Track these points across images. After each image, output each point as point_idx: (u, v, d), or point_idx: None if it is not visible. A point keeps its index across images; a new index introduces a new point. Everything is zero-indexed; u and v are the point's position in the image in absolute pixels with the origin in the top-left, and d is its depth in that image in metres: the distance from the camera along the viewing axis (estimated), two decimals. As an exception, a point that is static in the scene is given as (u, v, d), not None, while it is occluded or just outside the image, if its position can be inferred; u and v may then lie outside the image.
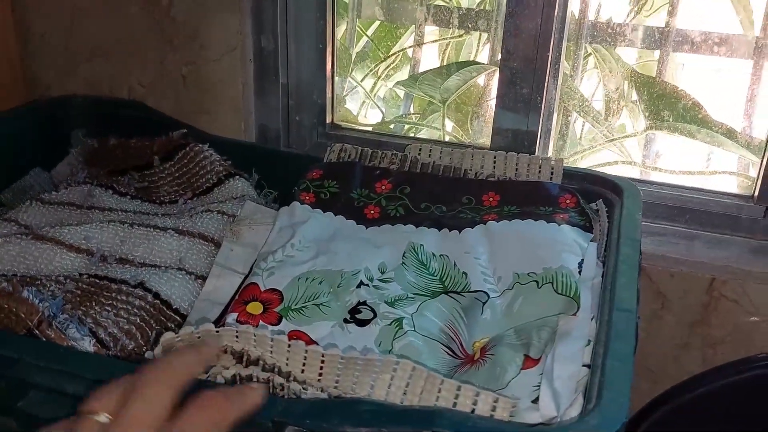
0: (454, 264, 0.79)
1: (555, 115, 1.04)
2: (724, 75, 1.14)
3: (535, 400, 0.60)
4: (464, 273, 0.77)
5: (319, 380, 0.57)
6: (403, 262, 0.79)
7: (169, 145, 0.97)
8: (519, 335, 0.69)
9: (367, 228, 0.84)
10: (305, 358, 0.57)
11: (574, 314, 0.69)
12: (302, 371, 0.57)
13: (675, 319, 1.01)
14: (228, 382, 0.56)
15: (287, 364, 0.57)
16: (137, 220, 0.87)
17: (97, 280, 0.77)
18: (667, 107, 1.06)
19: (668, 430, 1.00)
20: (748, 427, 0.98)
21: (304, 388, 0.56)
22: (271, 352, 0.57)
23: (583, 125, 1.21)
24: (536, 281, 0.74)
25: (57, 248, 0.81)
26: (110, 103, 1.10)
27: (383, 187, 0.88)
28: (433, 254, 0.80)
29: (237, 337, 0.58)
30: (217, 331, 0.57)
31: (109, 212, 0.91)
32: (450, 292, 0.76)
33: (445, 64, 1.25)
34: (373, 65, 1.28)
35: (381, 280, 0.77)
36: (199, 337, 0.57)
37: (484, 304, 0.75)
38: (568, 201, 0.84)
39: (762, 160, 0.99)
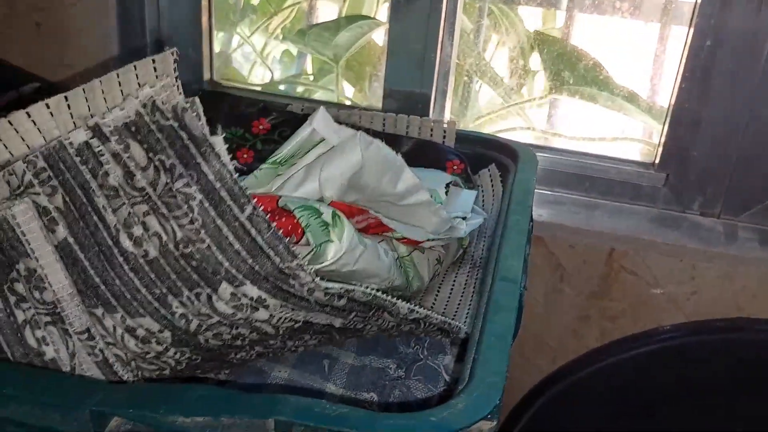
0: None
1: (451, 75, 0.97)
2: (630, 40, 1.10)
3: None
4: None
5: None
6: None
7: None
8: None
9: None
10: None
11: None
12: None
13: (574, 291, 0.97)
14: None
15: None
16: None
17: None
18: (568, 68, 1.01)
19: (565, 405, 0.97)
20: (647, 402, 0.96)
21: None
22: None
23: (481, 88, 1.15)
24: None
25: None
26: (-47, 53, 0.98)
27: (261, 128, 0.79)
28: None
29: None
30: None
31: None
32: None
33: (334, 19, 1.17)
34: (261, 20, 1.18)
35: None
36: None
37: None
38: (455, 167, 0.79)
39: (663, 127, 0.95)
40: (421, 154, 0.78)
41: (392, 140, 0.79)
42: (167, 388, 0.47)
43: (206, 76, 1.01)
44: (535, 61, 1.11)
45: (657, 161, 0.96)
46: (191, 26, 0.98)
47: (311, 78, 1.22)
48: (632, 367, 0.93)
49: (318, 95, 1.21)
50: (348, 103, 1.18)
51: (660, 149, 0.95)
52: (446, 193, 0.69)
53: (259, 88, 1.13)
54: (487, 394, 0.47)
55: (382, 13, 1.21)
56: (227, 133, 0.78)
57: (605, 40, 1.08)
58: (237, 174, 0.46)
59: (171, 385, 0.47)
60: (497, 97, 1.15)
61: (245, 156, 0.78)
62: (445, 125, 0.83)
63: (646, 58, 1.07)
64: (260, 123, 0.79)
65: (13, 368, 0.47)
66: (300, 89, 1.22)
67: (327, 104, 1.06)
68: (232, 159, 0.73)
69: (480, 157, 0.82)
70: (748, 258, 0.91)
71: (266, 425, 0.44)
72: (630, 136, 1.07)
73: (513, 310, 0.56)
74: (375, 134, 0.80)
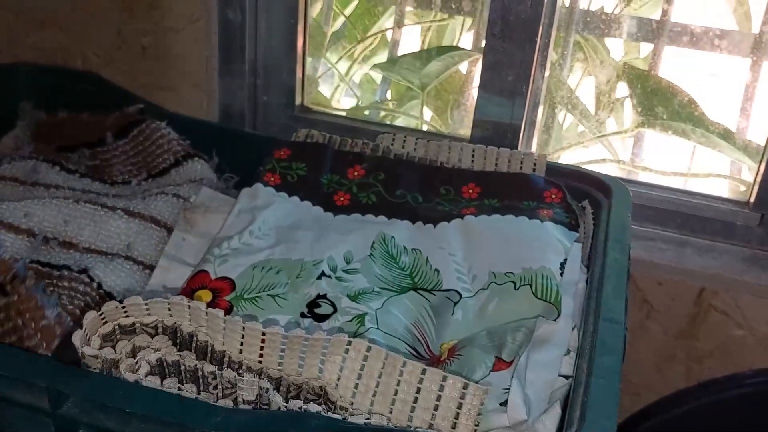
0: (427, 259, 0.72)
1: (541, 106, 0.97)
2: (720, 73, 1.08)
3: (504, 404, 0.55)
4: (436, 270, 0.71)
5: (259, 362, 0.50)
6: (371, 254, 0.72)
7: (123, 121, 0.90)
8: (491, 337, 0.63)
9: (335, 216, 0.78)
10: (243, 336, 0.50)
11: (554, 320, 0.63)
12: (240, 351, 0.50)
13: (661, 329, 0.95)
14: (153, 366, 0.49)
15: (223, 343, 0.51)
16: (83, 198, 0.80)
17: (39, 267, 0.71)
18: (661, 103, 0.99)
19: (648, 446, 0.95)
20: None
21: (239, 374, 0.49)
22: (206, 327, 0.51)
23: (565, 118, 1.14)
24: (513, 282, 0.68)
25: (-5, 228, 0.74)
26: (62, 73, 1.02)
27: (356, 174, 0.81)
28: (405, 247, 0.73)
29: (170, 310, 0.51)
30: (146, 304, 0.50)
31: (54, 189, 0.84)
32: (419, 289, 0.70)
33: (425, 49, 1.18)
34: (349, 47, 1.20)
35: (345, 271, 0.71)
36: (125, 312, 0.50)
37: (455, 304, 0.68)
38: (553, 196, 0.78)
39: (760, 165, 0.93)
40: (516, 187, 0.78)
41: (485, 177, 0.80)
42: (285, 415, 0.48)
43: (298, 100, 1.03)
44: (622, 92, 1.10)
45: (752, 200, 0.94)
46: (286, 53, 1.00)
47: (392, 104, 1.23)
48: (721, 410, 0.91)
49: (400, 121, 1.22)
50: (425, 128, 1.18)
51: (755, 188, 0.93)
52: (561, 273, 0.68)
53: (344, 113, 1.14)
54: (601, 438, 0.47)
55: (464, 40, 1.22)
56: (324, 178, 0.80)
57: (694, 74, 1.07)
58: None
59: (288, 412, 0.48)
60: (581, 128, 1.14)
61: (342, 199, 0.79)
62: (535, 158, 0.83)
63: (738, 94, 1.05)
64: (355, 170, 0.82)
65: (135, 387, 0.48)
66: (381, 114, 1.24)
67: (413, 131, 1.07)
68: (329, 202, 0.77)
69: (569, 190, 0.80)
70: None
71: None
72: (719, 173, 1.05)
73: (619, 352, 0.56)
74: (463, 173, 0.80)
